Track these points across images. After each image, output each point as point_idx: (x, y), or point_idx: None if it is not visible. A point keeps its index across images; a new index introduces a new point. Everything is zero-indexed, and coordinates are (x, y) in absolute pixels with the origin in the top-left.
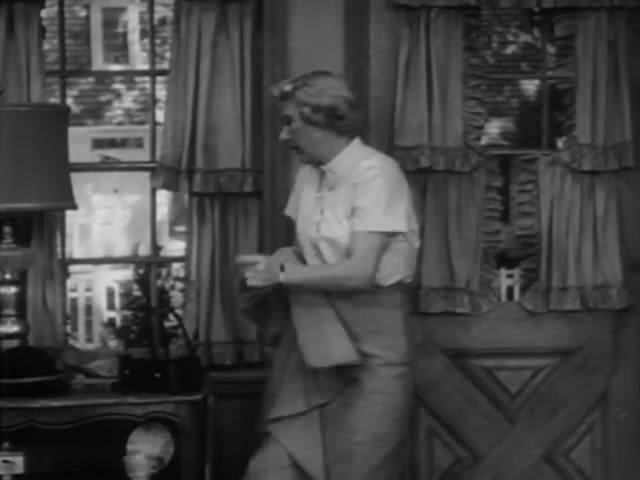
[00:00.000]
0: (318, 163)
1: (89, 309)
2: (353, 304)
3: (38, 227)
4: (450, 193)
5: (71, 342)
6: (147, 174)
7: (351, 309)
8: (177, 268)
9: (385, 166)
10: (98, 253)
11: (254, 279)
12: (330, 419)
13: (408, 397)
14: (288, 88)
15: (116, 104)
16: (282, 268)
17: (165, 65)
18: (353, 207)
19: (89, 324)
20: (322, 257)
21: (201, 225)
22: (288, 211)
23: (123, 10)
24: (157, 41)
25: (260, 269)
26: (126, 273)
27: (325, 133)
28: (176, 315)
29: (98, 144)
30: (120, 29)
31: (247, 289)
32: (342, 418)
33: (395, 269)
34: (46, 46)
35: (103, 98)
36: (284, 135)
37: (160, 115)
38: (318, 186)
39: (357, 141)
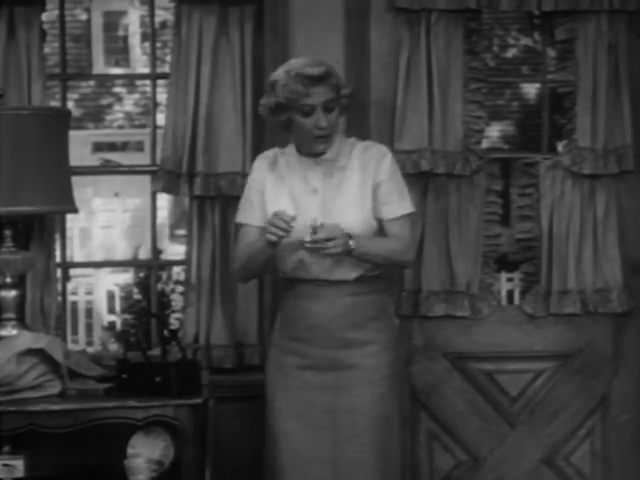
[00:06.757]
0: (312, 154)
1: (89, 312)
2: (356, 294)
3: (38, 230)
4: (450, 197)
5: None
6: (148, 177)
7: (355, 300)
8: (177, 271)
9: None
10: (98, 256)
11: (334, 248)
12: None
13: (402, 379)
14: (322, 70)
15: (117, 107)
16: (350, 237)
17: (166, 68)
18: (376, 184)
19: (89, 327)
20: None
21: (201, 228)
22: (252, 220)
23: (124, 13)
24: (158, 44)
25: (337, 239)
26: (126, 276)
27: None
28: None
29: (99, 147)
30: (121, 32)
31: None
32: (343, 408)
33: None
34: (47, 49)
35: (104, 101)
36: (325, 123)
37: (161, 118)
38: (304, 180)
39: None
